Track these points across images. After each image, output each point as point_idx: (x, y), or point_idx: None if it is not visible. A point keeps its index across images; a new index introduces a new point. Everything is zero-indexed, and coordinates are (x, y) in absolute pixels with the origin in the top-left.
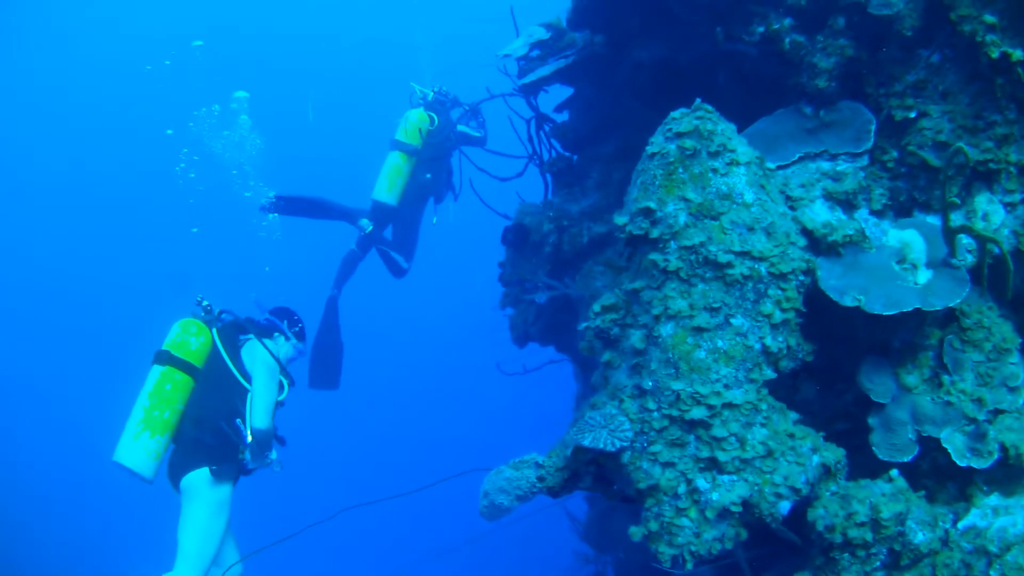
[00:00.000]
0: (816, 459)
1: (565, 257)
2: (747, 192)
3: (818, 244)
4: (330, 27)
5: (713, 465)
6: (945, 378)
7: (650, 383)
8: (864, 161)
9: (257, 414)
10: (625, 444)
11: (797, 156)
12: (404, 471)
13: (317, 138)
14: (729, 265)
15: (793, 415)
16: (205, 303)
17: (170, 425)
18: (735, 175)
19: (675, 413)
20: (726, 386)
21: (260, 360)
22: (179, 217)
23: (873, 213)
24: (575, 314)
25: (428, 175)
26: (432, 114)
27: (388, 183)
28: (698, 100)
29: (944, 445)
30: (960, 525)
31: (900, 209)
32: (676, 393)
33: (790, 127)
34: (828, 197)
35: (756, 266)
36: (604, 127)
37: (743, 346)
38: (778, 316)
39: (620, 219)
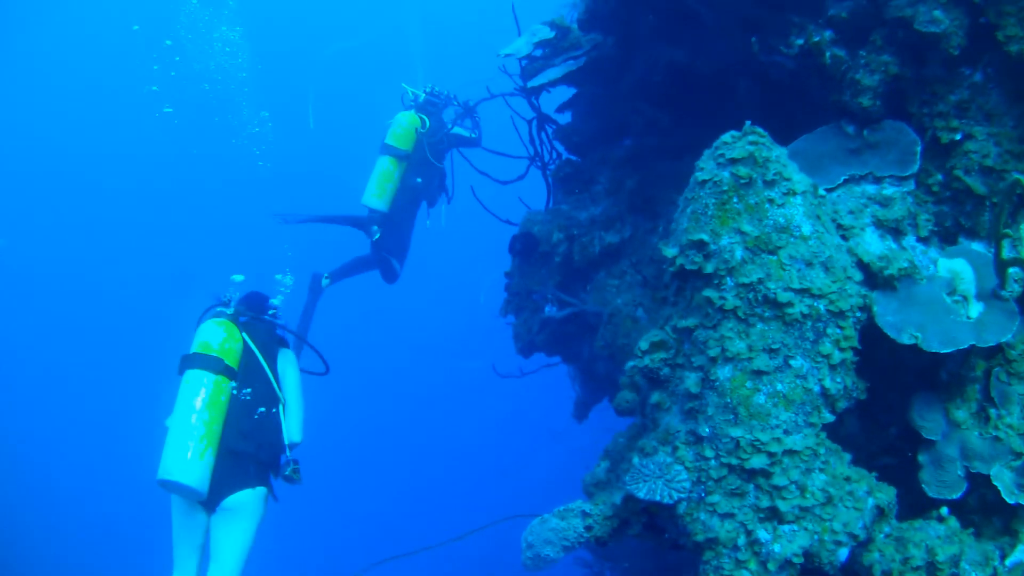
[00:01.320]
0: (871, 501)
1: (576, 267)
2: (804, 224)
3: (874, 278)
4: (326, 29)
5: (773, 515)
6: (992, 411)
7: (707, 429)
8: (911, 185)
9: (295, 428)
10: (683, 496)
11: (842, 179)
12: (405, 479)
13: (320, 145)
14: (789, 304)
15: (847, 456)
16: (231, 305)
17: (219, 437)
18: (792, 206)
19: (734, 462)
20: (786, 432)
21: (294, 371)
22: (184, 210)
23: (920, 240)
24: (582, 324)
25: (419, 179)
26: (423, 116)
27: (378, 189)
28: (748, 123)
29: (994, 483)
30: (1008, 562)
31: (945, 235)
32: (735, 440)
33: (832, 147)
34: (878, 225)
35: (815, 304)
36: (612, 130)
37: (803, 389)
38: (837, 356)
39: (669, 251)
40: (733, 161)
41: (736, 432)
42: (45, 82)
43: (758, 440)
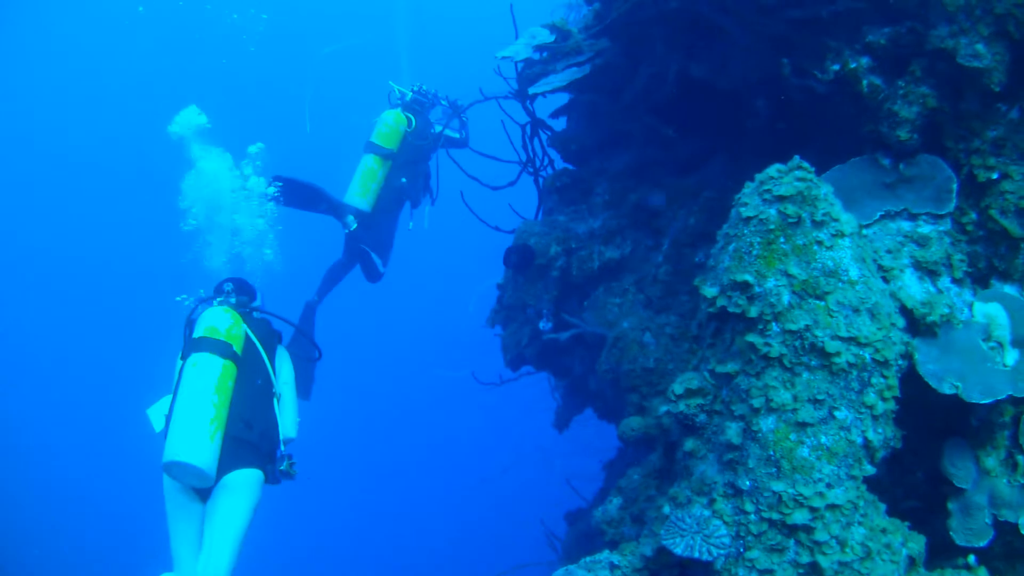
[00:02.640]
0: (905, 552)
1: (573, 282)
2: (852, 268)
3: (916, 324)
4: (320, 31)
5: (813, 571)
6: (1020, 458)
7: (748, 483)
8: (947, 224)
9: (291, 423)
10: (723, 552)
11: (878, 215)
12: (386, 488)
13: (318, 149)
14: (836, 353)
15: (882, 506)
16: (232, 294)
17: (226, 422)
18: (840, 248)
19: (775, 516)
20: (828, 486)
21: (289, 368)
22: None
23: (954, 281)
24: (574, 339)
25: (403, 179)
26: (409, 115)
27: (362, 188)
28: (797, 158)
29: (1022, 532)
30: None
31: (978, 276)
32: (778, 495)
33: (867, 180)
34: (917, 266)
35: (861, 352)
36: (612, 140)
37: (846, 441)
38: (880, 407)
39: (708, 290)
40: (781, 199)
41: (778, 486)
42: (40, 78)
43: (801, 495)
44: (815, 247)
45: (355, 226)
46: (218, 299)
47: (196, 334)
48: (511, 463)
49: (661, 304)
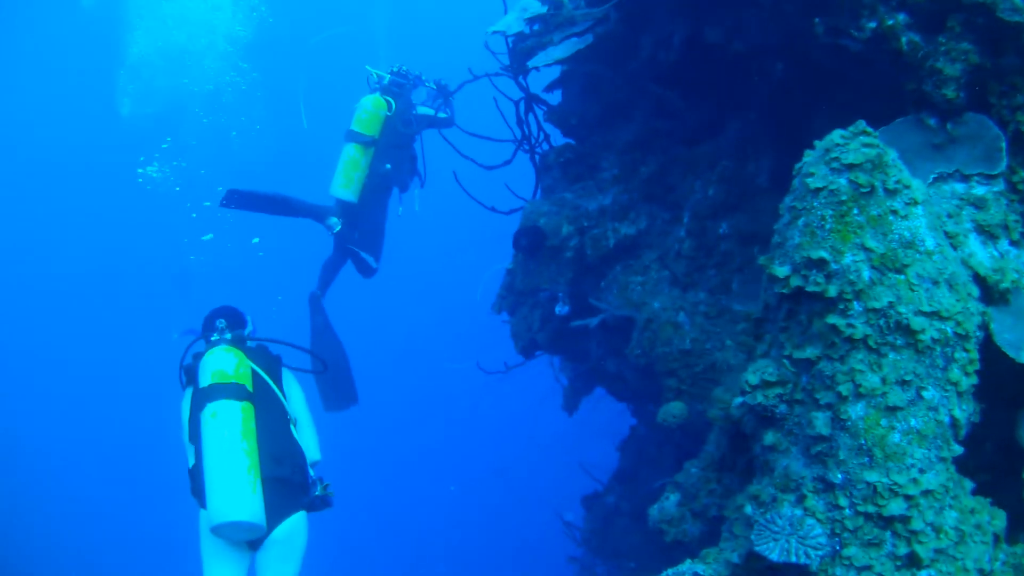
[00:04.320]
0: (991, 531)
1: (588, 262)
2: (928, 238)
3: (989, 292)
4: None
5: (912, 562)
6: None
7: (840, 476)
8: (1000, 184)
9: (313, 446)
10: (820, 554)
11: (931, 178)
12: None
13: (316, 144)
14: (921, 330)
15: (968, 484)
16: (227, 330)
17: (260, 466)
18: (915, 217)
19: (871, 509)
20: (921, 471)
21: (298, 389)
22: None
23: (1012, 244)
24: (586, 316)
25: (388, 165)
26: (389, 99)
27: (345, 178)
28: (863, 123)
29: None
30: None
31: None
32: (872, 486)
33: (915, 142)
34: (979, 230)
35: (944, 327)
36: (616, 111)
37: (935, 422)
38: (964, 383)
39: (780, 270)
40: (851, 167)
41: (872, 476)
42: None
43: (895, 483)
44: (891, 217)
45: (339, 227)
46: (214, 337)
47: (205, 382)
48: (522, 451)
49: (687, 281)
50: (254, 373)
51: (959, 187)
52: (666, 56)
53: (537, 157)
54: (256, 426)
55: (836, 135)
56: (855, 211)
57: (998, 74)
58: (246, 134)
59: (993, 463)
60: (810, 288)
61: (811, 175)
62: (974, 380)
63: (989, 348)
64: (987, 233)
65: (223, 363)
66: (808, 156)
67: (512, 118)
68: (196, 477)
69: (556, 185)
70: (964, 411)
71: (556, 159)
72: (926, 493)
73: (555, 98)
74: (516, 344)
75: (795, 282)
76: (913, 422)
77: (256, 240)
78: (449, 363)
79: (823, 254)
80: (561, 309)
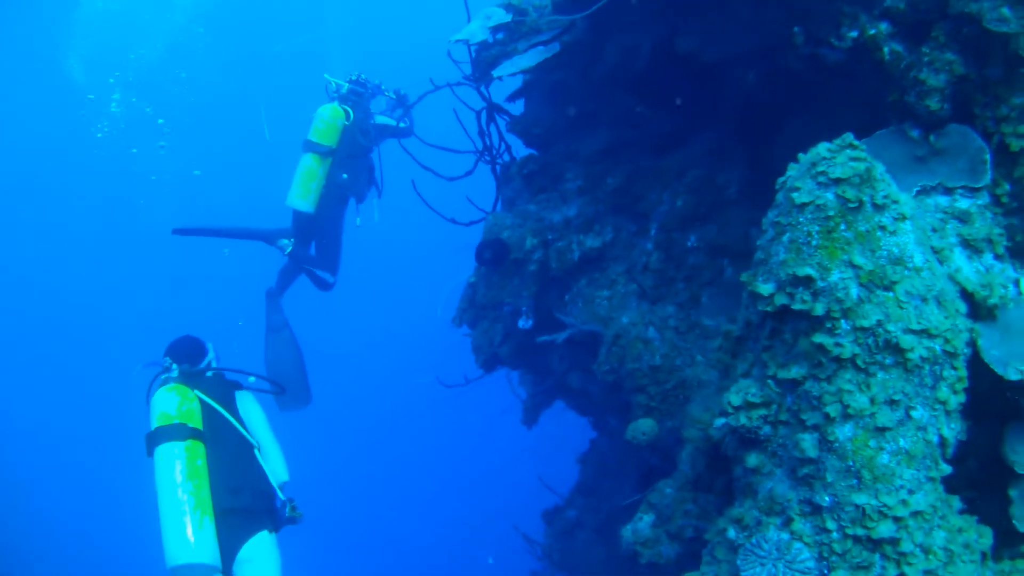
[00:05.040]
0: (978, 549)
1: (553, 275)
2: (916, 254)
3: (977, 308)
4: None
5: None
6: None
7: (827, 498)
8: (984, 198)
9: (279, 467)
10: None
11: (915, 191)
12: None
13: (280, 156)
14: (911, 348)
15: (956, 502)
16: (172, 367)
17: (211, 502)
18: (904, 233)
19: (860, 532)
20: (910, 492)
21: (257, 410)
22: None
23: (997, 258)
24: (550, 330)
25: (344, 175)
26: (347, 108)
27: (302, 189)
28: (850, 135)
29: None
30: None
31: (1015, 250)
32: (861, 508)
33: (898, 154)
34: (964, 245)
35: (932, 345)
36: (580, 121)
37: (924, 441)
38: (953, 401)
39: (764, 287)
40: (838, 181)
41: (861, 499)
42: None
43: (884, 505)
44: (879, 233)
45: (291, 248)
46: (162, 376)
47: (151, 426)
48: (482, 465)
49: (656, 295)
50: (205, 406)
51: (942, 200)
52: (634, 65)
53: (498, 168)
54: (209, 460)
55: (822, 148)
56: (842, 227)
57: (983, 85)
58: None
59: (977, 479)
60: (796, 306)
61: (796, 189)
62: (962, 398)
63: (975, 364)
64: (972, 247)
65: (164, 404)
66: (792, 170)
67: (473, 128)
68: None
69: (518, 196)
70: (952, 430)
71: (519, 170)
72: (915, 514)
73: (517, 108)
74: (477, 358)
75: (780, 300)
76: (902, 442)
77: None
78: (410, 377)
79: (809, 271)
80: (524, 323)
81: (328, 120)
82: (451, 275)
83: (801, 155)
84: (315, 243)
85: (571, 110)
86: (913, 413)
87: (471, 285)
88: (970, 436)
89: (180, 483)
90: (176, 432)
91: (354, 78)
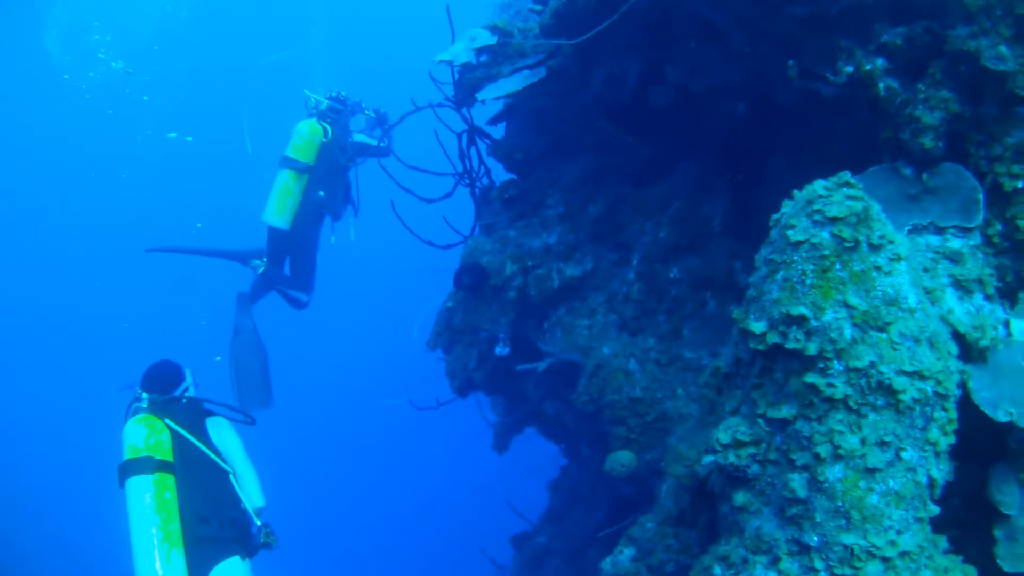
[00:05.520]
0: None
1: (532, 303)
2: (911, 295)
3: (969, 350)
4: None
5: None
6: None
7: (816, 538)
8: (976, 238)
9: (255, 493)
10: None
11: (906, 230)
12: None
13: (264, 169)
14: (903, 390)
15: (943, 542)
16: (143, 397)
17: (180, 533)
18: (899, 274)
19: (848, 572)
20: (899, 532)
21: (231, 435)
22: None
23: (987, 298)
24: (527, 358)
25: (321, 192)
26: (325, 124)
27: (278, 205)
28: (847, 174)
29: None
30: None
31: (1006, 291)
32: (849, 549)
33: (890, 191)
34: (956, 285)
35: (924, 386)
36: (561, 147)
37: (913, 482)
38: (943, 443)
39: (756, 326)
40: (834, 220)
41: (849, 539)
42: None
43: (873, 546)
44: (874, 273)
45: (263, 268)
46: (134, 406)
47: (121, 458)
48: (450, 489)
49: (636, 326)
50: (176, 435)
51: (934, 240)
52: (619, 92)
53: (477, 191)
54: (179, 491)
55: (818, 186)
56: (838, 266)
57: (977, 123)
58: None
59: (960, 518)
60: (789, 345)
61: (792, 227)
62: (952, 440)
63: (963, 405)
64: (963, 288)
65: (132, 437)
66: (787, 207)
67: (453, 150)
68: None
69: (497, 220)
70: (941, 471)
71: (499, 195)
72: (903, 555)
73: (498, 131)
74: (451, 383)
75: (772, 338)
76: (892, 483)
77: (199, 225)
78: (381, 399)
79: (803, 310)
80: (502, 350)
81: (306, 136)
82: (427, 297)
83: (796, 192)
84: (289, 260)
85: (552, 135)
86: (903, 454)
87: (448, 309)
88: (955, 475)
89: (148, 516)
90: (143, 465)
91: (334, 95)
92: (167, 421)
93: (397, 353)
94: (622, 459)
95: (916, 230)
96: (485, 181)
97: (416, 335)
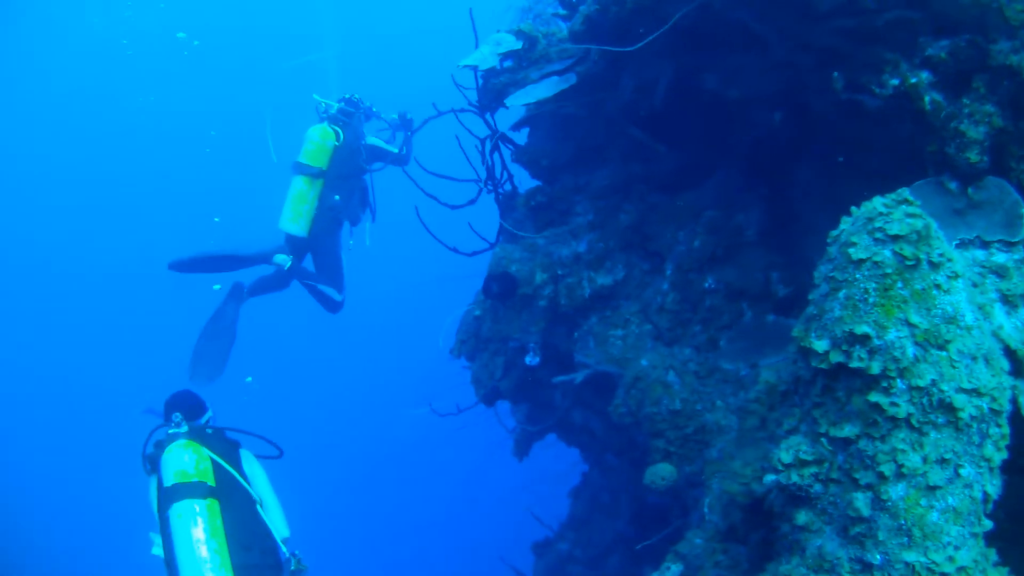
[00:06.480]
0: None
1: (562, 312)
2: (968, 312)
3: (1019, 365)
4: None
5: None
6: None
7: (879, 557)
8: (1020, 252)
9: (280, 523)
10: None
11: (954, 244)
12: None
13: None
14: (962, 408)
15: (993, 555)
16: (183, 422)
17: (230, 559)
18: (956, 292)
19: None
20: (956, 548)
21: (258, 467)
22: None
23: None
24: (556, 367)
25: (336, 197)
26: (336, 128)
27: (293, 212)
28: (906, 191)
29: None
30: None
31: None
32: (911, 566)
33: (937, 206)
34: (1004, 300)
35: (980, 403)
36: (588, 155)
37: (970, 499)
38: (997, 458)
39: (819, 344)
40: (896, 238)
41: (911, 556)
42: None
43: (933, 562)
44: (934, 291)
45: (289, 264)
46: (171, 431)
47: (168, 481)
48: (473, 497)
49: (671, 336)
50: (215, 464)
51: (980, 254)
52: (650, 99)
53: (501, 197)
54: (223, 519)
55: (878, 203)
56: (899, 284)
57: (1019, 138)
58: None
59: (1003, 530)
60: (853, 364)
61: (853, 245)
62: (1004, 455)
63: (1014, 420)
64: (1010, 303)
65: (181, 463)
66: (846, 223)
67: (475, 156)
68: (172, 568)
69: (522, 227)
70: (995, 486)
71: (526, 202)
72: (960, 569)
73: (520, 137)
74: (477, 391)
75: (835, 357)
76: (951, 500)
77: (217, 219)
78: (404, 408)
79: (867, 329)
80: (532, 360)
81: (318, 141)
82: (451, 305)
83: (854, 208)
84: (315, 265)
85: (580, 142)
86: (962, 471)
87: (476, 318)
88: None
89: (204, 540)
90: (196, 490)
91: (346, 98)
92: (206, 450)
93: (418, 361)
94: (662, 472)
95: (963, 244)
96: (508, 187)
97: (442, 343)
